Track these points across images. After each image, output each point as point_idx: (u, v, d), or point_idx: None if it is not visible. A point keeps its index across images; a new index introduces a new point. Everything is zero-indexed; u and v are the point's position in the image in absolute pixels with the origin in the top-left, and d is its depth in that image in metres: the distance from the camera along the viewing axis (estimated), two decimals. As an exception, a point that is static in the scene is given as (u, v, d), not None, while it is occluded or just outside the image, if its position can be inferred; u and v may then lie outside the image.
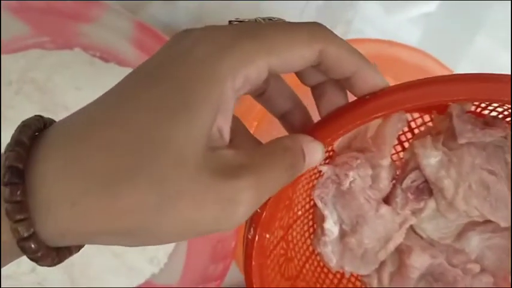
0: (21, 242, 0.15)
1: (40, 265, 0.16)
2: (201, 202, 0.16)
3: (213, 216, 0.16)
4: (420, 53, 0.41)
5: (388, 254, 0.32)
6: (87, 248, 0.35)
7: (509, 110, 0.29)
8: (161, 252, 0.38)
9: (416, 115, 0.34)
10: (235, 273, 0.41)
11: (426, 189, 0.31)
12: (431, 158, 0.30)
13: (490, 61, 0.51)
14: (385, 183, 0.32)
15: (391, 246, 0.31)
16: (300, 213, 0.34)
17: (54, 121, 0.18)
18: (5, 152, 0.16)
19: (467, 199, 0.29)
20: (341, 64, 0.20)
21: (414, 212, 0.32)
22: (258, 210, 0.27)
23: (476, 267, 0.30)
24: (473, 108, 0.31)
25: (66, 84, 0.36)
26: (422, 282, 0.32)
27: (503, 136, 0.29)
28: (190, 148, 0.16)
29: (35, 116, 0.18)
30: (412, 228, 0.32)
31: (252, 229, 0.28)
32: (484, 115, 0.31)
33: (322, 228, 0.32)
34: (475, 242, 0.31)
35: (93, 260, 0.36)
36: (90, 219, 0.15)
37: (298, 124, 0.24)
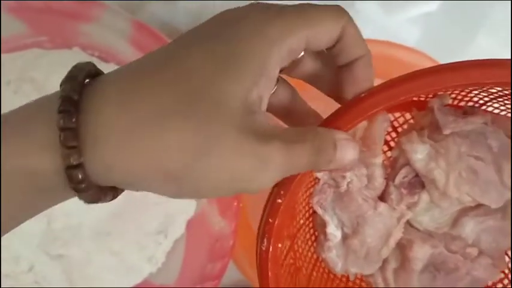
0: (69, 170, 0.16)
1: (80, 198, 0.17)
2: (240, 151, 0.17)
3: (249, 167, 0.17)
4: (419, 54, 0.41)
5: (390, 250, 0.32)
6: (85, 247, 0.35)
7: (487, 97, 0.30)
8: (159, 251, 0.38)
9: (397, 114, 0.35)
10: (233, 272, 0.41)
11: (418, 182, 0.32)
12: (419, 152, 0.31)
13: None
14: (379, 181, 0.32)
15: (392, 242, 0.32)
16: (301, 221, 0.34)
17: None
18: (60, 85, 0.17)
19: (459, 186, 0.30)
20: (355, 44, 0.21)
21: (409, 207, 0.33)
22: (270, 220, 0.27)
23: (474, 251, 0.31)
24: (450, 101, 0.32)
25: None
26: (425, 274, 0.32)
27: (484, 122, 0.30)
28: (236, 102, 0.17)
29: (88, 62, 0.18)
30: (408, 222, 0.33)
31: (265, 240, 0.27)
32: (462, 106, 0.32)
33: (325, 234, 0.33)
34: (469, 227, 0.32)
35: (91, 259, 0.36)
36: (137, 156, 0.16)
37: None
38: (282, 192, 0.27)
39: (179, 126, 0.16)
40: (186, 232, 0.38)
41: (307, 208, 0.35)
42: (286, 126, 0.26)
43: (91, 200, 0.17)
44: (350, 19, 0.21)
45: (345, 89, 0.23)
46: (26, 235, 0.34)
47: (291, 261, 0.32)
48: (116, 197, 0.19)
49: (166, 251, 0.38)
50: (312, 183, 0.35)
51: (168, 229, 0.37)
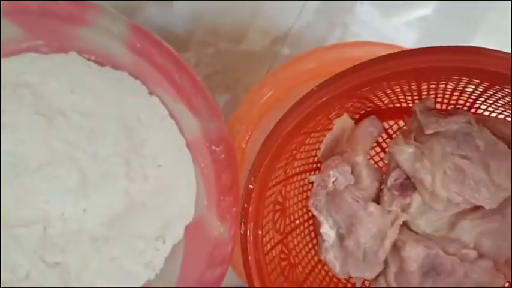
0: None
1: None
2: None
3: None
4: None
5: (386, 252, 0.33)
6: (82, 253, 0.35)
7: (471, 99, 0.31)
8: (157, 257, 0.37)
9: (392, 122, 0.37)
10: (232, 278, 0.41)
11: (409, 185, 0.34)
12: (405, 153, 0.33)
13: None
14: (367, 181, 0.34)
15: (387, 243, 0.33)
16: (297, 222, 0.36)
17: None
18: None
19: (446, 185, 0.31)
20: None
21: (404, 209, 0.34)
22: (245, 205, 0.29)
23: (472, 253, 0.32)
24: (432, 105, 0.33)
25: (61, 88, 0.35)
26: (429, 281, 0.32)
27: (467, 122, 0.31)
28: None
29: None
30: (407, 226, 0.34)
31: (242, 224, 0.30)
32: (446, 110, 0.33)
33: (320, 234, 0.34)
34: (467, 230, 0.32)
35: (88, 265, 0.35)
36: None
37: None
38: (252, 178, 0.30)
39: None
40: (185, 237, 0.37)
41: (304, 210, 0.37)
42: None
43: None
44: None
45: None
46: (22, 242, 0.34)
47: (282, 255, 0.34)
48: None
49: (164, 257, 0.37)
50: (309, 186, 0.37)
51: (166, 234, 0.37)
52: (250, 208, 0.30)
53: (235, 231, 0.34)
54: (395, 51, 0.41)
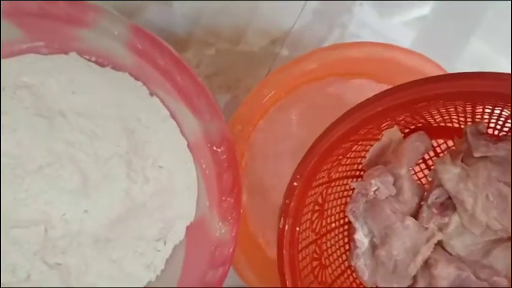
0: None
1: None
2: None
3: None
4: (419, 56, 0.42)
5: (417, 268, 0.33)
6: (83, 255, 0.35)
7: None
8: (158, 259, 0.37)
9: (441, 141, 0.38)
10: (233, 279, 0.41)
11: (450, 205, 0.34)
12: (450, 173, 0.33)
13: (485, 64, 0.51)
14: (408, 194, 0.34)
15: (420, 259, 0.33)
16: (333, 225, 0.37)
17: None
18: None
19: (487, 210, 0.31)
20: None
21: (441, 228, 0.33)
22: (287, 201, 0.30)
23: (503, 281, 0.32)
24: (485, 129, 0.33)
25: (62, 89, 0.35)
26: None
27: None
28: None
29: None
30: (441, 245, 0.34)
31: (281, 218, 0.31)
32: (498, 136, 0.33)
33: (354, 241, 0.34)
34: (502, 258, 0.32)
35: (89, 267, 0.35)
36: None
37: None
38: (298, 176, 0.30)
39: None
40: (186, 238, 0.37)
41: (342, 215, 0.37)
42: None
43: None
44: None
45: None
46: (22, 243, 0.34)
47: (315, 255, 0.35)
48: None
49: (165, 258, 0.37)
50: (349, 192, 0.37)
51: (167, 236, 0.37)
52: (292, 204, 0.30)
53: (236, 232, 0.34)
54: (396, 51, 0.41)
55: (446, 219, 0.33)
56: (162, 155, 0.37)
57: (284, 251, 0.31)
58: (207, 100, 0.34)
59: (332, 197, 0.36)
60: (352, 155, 0.36)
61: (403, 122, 0.35)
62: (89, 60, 0.36)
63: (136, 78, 0.36)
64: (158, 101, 0.36)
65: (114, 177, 0.36)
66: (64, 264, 0.35)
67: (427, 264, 0.33)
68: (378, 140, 0.36)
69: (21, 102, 0.35)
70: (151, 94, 0.36)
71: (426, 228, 0.34)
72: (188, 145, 0.37)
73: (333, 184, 0.36)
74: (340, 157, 0.34)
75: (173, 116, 0.37)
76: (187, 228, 0.37)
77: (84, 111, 0.36)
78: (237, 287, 0.42)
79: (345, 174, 0.37)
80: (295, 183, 0.30)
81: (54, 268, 0.35)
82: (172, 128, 0.37)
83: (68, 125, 0.35)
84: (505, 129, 0.32)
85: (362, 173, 0.37)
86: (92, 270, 0.35)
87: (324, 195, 0.35)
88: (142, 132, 0.36)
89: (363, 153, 0.37)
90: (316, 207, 0.34)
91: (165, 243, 0.37)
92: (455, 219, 0.33)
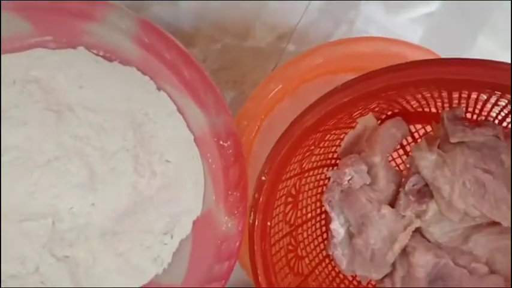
0: None
1: None
2: None
3: None
4: (426, 51, 0.41)
5: (395, 256, 0.32)
6: (91, 248, 0.35)
7: (505, 111, 0.30)
8: (165, 252, 0.37)
9: (419, 126, 0.36)
10: (239, 273, 0.41)
11: (427, 192, 0.33)
12: (427, 160, 0.31)
13: (492, 60, 0.51)
14: (383, 182, 0.33)
15: (397, 247, 0.32)
16: (309, 215, 0.36)
17: None
18: None
19: (464, 197, 0.30)
20: None
21: (419, 216, 0.33)
22: (256, 195, 0.29)
23: (482, 268, 0.31)
24: (468, 115, 0.33)
25: (70, 84, 0.36)
26: (434, 286, 0.32)
27: (495, 135, 0.30)
28: None
29: None
30: (420, 232, 0.34)
31: (252, 213, 0.30)
32: (476, 121, 0.32)
33: (330, 230, 0.34)
34: (481, 244, 0.31)
35: (97, 260, 0.36)
36: None
37: None
38: (265, 170, 0.30)
39: None
40: (192, 232, 0.38)
41: (318, 204, 0.37)
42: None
43: None
44: None
45: None
46: (31, 236, 0.34)
47: (290, 247, 0.34)
48: None
49: (172, 252, 0.37)
50: (325, 181, 0.36)
51: (174, 229, 0.37)
52: (261, 199, 0.30)
53: (243, 226, 0.34)
54: (403, 46, 0.41)
55: (423, 207, 0.33)
56: (169, 149, 0.37)
57: (255, 247, 0.30)
58: (213, 95, 0.34)
59: (307, 187, 0.36)
60: (325, 144, 0.35)
61: (377, 109, 0.34)
62: (97, 54, 0.36)
63: (144, 73, 0.36)
64: (165, 96, 0.37)
65: (121, 171, 0.36)
66: (72, 257, 0.35)
67: (405, 252, 0.33)
68: (352, 128, 0.35)
69: (31, 97, 0.35)
70: (159, 89, 0.37)
71: (403, 216, 0.33)
72: (195, 139, 0.37)
73: (306, 175, 0.35)
74: (312, 147, 0.33)
75: (180, 111, 0.37)
76: (194, 222, 0.38)
77: (92, 105, 0.36)
78: (242, 281, 0.42)
79: (319, 163, 0.36)
80: (263, 178, 0.29)
81: (62, 260, 0.35)
82: (179, 122, 0.37)
83: (76, 119, 0.35)
84: (484, 113, 0.31)
85: (338, 161, 0.36)
86: (99, 263, 0.36)
87: (297, 186, 0.34)
88: (149, 127, 0.37)
89: (337, 142, 0.36)
90: (290, 199, 0.34)
91: (172, 237, 0.37)
92: (432, 207, 0.32)
